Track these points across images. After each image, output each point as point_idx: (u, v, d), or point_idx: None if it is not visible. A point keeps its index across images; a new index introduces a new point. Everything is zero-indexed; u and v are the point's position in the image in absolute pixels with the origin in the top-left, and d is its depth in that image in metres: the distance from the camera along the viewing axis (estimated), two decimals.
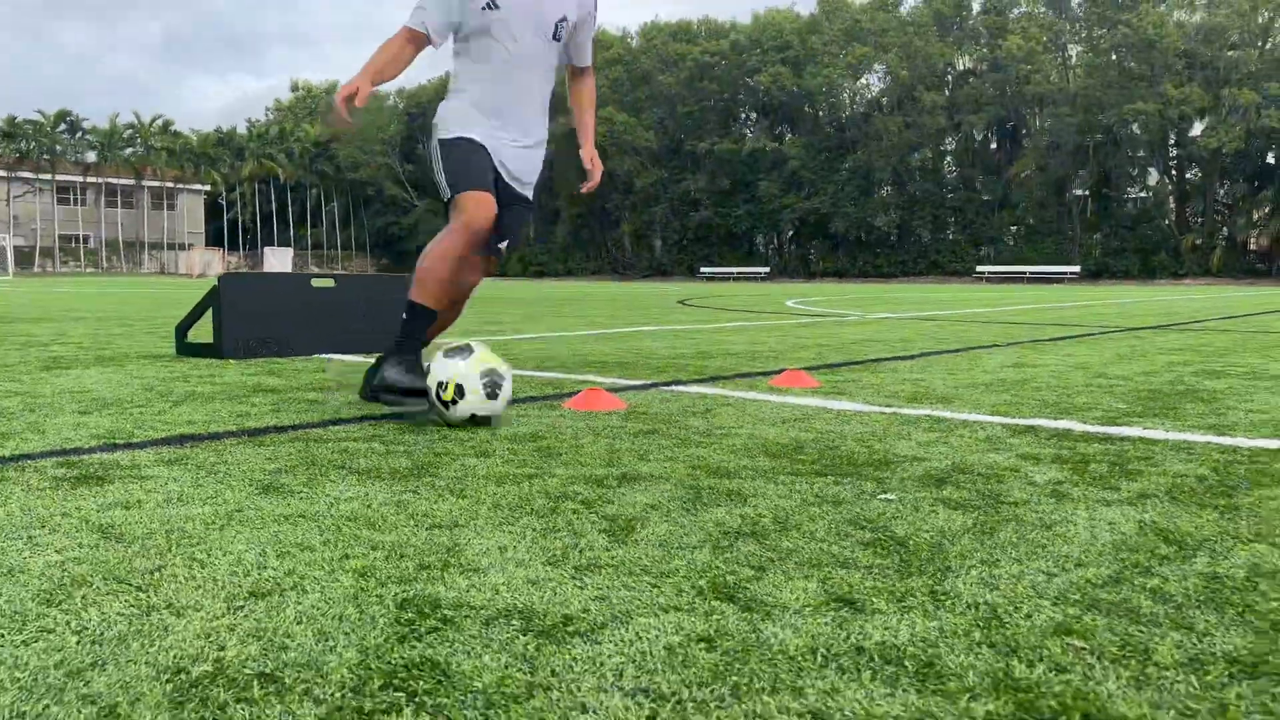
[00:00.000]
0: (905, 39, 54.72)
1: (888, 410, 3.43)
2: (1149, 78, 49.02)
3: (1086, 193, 53.95)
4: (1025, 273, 49.27)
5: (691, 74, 61.21)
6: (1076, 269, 49.10)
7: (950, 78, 57.61)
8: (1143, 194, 54.48)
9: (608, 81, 61.55)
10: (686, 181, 61.81)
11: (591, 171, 3.58)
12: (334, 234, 78.76)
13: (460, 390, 2.89)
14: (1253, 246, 52.03)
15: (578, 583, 1.49)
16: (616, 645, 1.25)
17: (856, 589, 1.48)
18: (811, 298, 19.03)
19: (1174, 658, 1.23)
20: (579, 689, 1.12)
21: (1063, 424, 3.13)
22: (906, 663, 1.21)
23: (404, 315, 3.18)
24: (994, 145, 58.70)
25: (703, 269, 59.88)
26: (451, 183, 3.18)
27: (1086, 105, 50.32)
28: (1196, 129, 50.91)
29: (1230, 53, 48.71)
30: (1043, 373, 4.70)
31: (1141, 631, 1.31)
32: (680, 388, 4.08)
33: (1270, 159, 49.58)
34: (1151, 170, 54.31)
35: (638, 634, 1.29)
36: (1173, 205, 53.64)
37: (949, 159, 59.18)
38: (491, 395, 2.93)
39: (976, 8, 56.32)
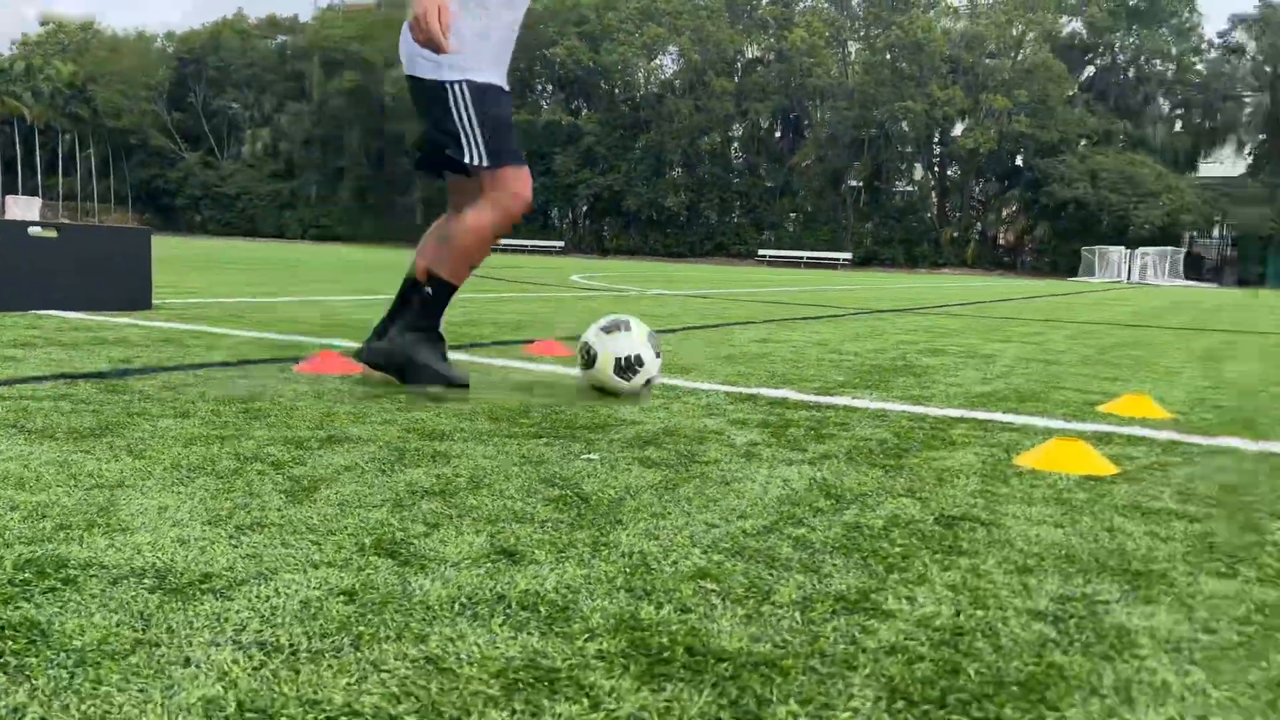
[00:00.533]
0: (698, 23, 56.02)
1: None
2: (918, 78, 52.52)
3: (860, 184, 57.30)
4: (803, 257, 51.83)
5: None
6: (849, 255, 52.11)
7: (740, 65, 59.52)
8: (909, 188, 58.44)
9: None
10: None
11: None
12: (90, 185, 72.19)
13: (640, 360, 2.99)
14: (1001, 241, 57.03)
15: (233, 541, 1.45)
16: (249, 601, 1.22)
17: (523, 542, 1.51)
18: (599, 273, 19.24)
19: (790, 598, 1.33)
20: (190, 644, 1.08)
21: (781, 393, 3.31)
22: (541, 608, 1.24)
23: (428, 290, 2.95)
24: (778, 134, 61.23)
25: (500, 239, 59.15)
26: (493, 150, 2.82)
27: (863, 101, 53.34)
28: (958, 129, 55.09)
29: (988, 60, 52.94)
30: (783, 348, 4.96)
31: (771, 575, 1.42)
32: None
33: (1019, 161, 54.36)
34: (917, 166, 58.33)
35: (276, 590, 1.26)
36: (935, 200, 57.86)
37: (736, 145, 61.22)
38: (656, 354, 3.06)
39: None
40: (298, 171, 66.72)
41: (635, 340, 3.00)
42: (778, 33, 56.82)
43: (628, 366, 2.97)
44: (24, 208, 50.79)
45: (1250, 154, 52.11)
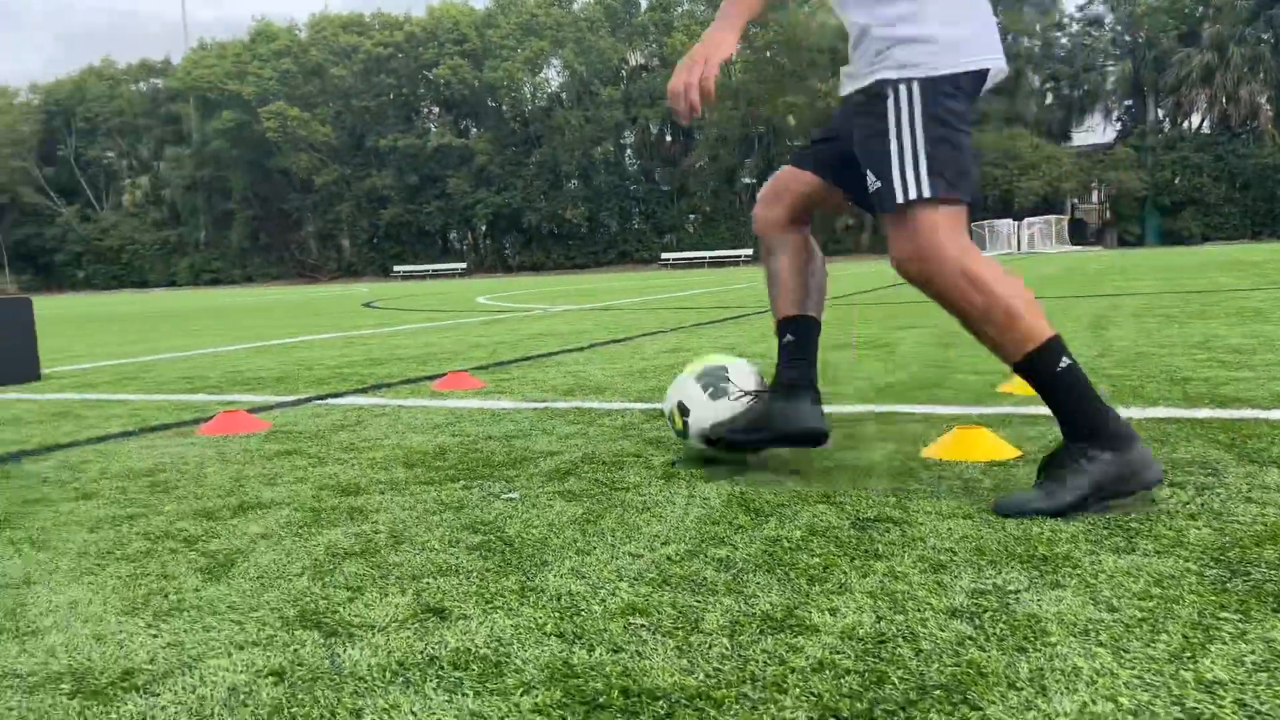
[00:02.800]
0: (579, 34, 56.23)
1: (540, 405, 3.52)
2: (799, 73, 53.63)
3: (754, 181, 58.20)
4: (705, 258, 52.40)
5: (367, 66, 59.26)
6: (750, 251, 52.87)
7: (625, 73, 59.90)
8: None
9: (276, 74, 58.27)
10: (372, 178, 59.84)
11: None
12: None
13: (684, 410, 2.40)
14: None
15: (153, 630, 1.41)
16: (175, 694, 1.19)
17: (449, 596, 1.51)
18: (505, 292, 19.13)
19: (719, 623, 1.36)
20: None
21: None
22: (474, 665, 1.25)
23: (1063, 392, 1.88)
24: (669, 138, 61.79)
25: (396, 268, 58.35)
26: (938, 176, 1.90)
27: (749, 99, 54.24)
28: None
29: None
30: (692, 358, 5.01)
31: (698, 602, 1.44)
32: (337, 400, 3.95)
33: None
34: None
35: (202, 678, 1.24)
36: None
37: (629, 151, 61.58)
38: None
39: (644, 4, 58.92)
40: (184, 217, 64.70)
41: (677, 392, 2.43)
42: (658, 38, 57.40)
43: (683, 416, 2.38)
44: None
45: (1118, 120, 54.57)
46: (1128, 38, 51.58)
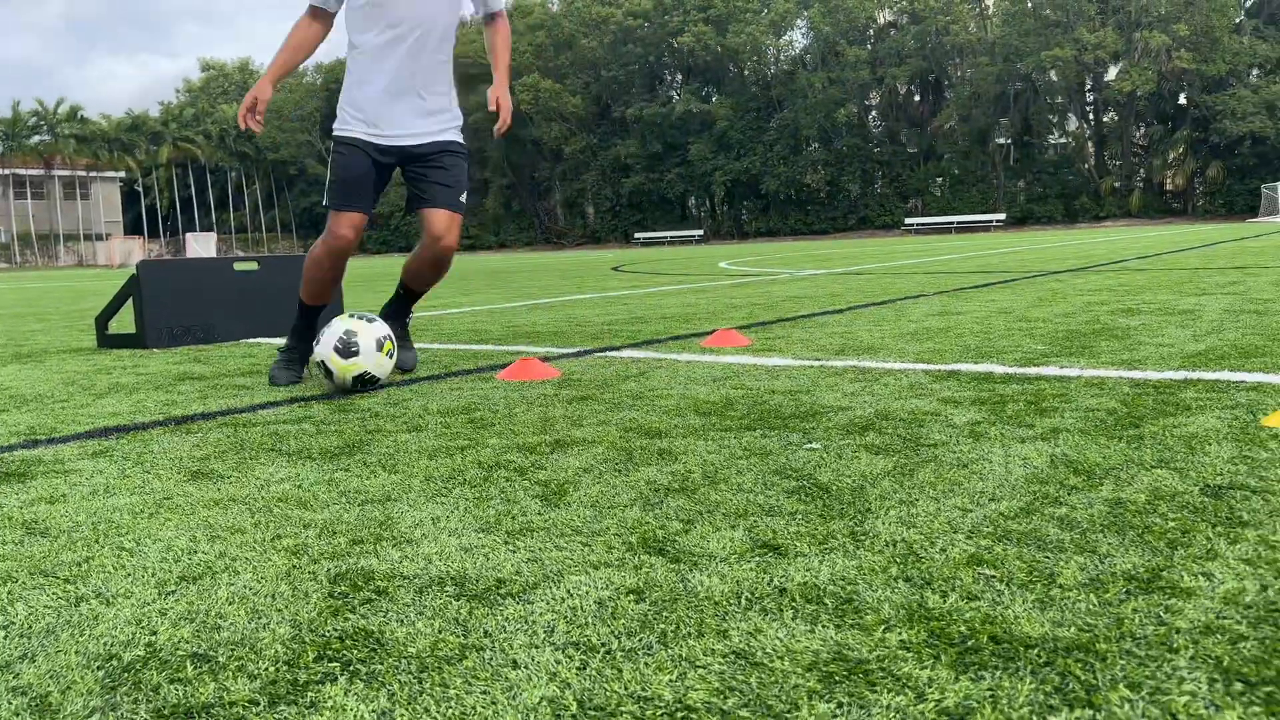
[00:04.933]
0: None
1: (815, 363, 3.49)
2: (1064, 24, 49.86)
3: (1009, 141, 54.90)
4: (953, 223, 50.11)
5: (615, 37, 60.67)
6: (1002, 216, 50.06)
7: (872, 31, 57.97)
8: (1063, 140, 55.61)
9: (531, 48, 60.74)
10: (617, 147, 61.47)
11: (500, 112, 3.61)
12: (257, 216, 76.91)
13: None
14: (1168, 187, 53.53)
15: (510, 547, 1.52)
16: (548, 604, 1.28)
17: (781, 534, 1.53)
18: (744, 258, 19.16)
19: (1077, 579, 1.30)
20: (511, 646, 1.15)
21: (983, 367, 3.22)
22: (826, 600, 1.26)
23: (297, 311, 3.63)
24: (917, 98, 59.33)
25: (637, 235, 59.79)
26: (331, 194, 3.48)
27: (1005, 54, 51.07)
28: (1111, 73, 52.01)
29: None
30: (966, 319, 4.81)
31: (1048, 557, 1.38)
32: (614, 353, 4.10)
33: (1182, 100, 50.90)
34: (1070, 116, 55.42)
35: (569, 591, 1.32)
36: (1091, 150, 54.86)
37: (874, 113, 59.70)
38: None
39: None
40: None
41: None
42: None
43: (344, 349, 3.16)
44: (201, 244, 54.58)
45: None
46: None
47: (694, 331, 4.83)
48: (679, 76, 64.28)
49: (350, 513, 1.75)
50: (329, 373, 3.17)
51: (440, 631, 1.20)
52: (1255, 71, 49.25)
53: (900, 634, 1.14)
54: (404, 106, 3.39)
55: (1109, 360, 3.25)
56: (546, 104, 59.59)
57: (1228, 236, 18.39)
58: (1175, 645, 1.08)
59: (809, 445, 2.16)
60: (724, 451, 2.13)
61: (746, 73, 60.26)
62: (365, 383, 3.18)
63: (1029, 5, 51.24)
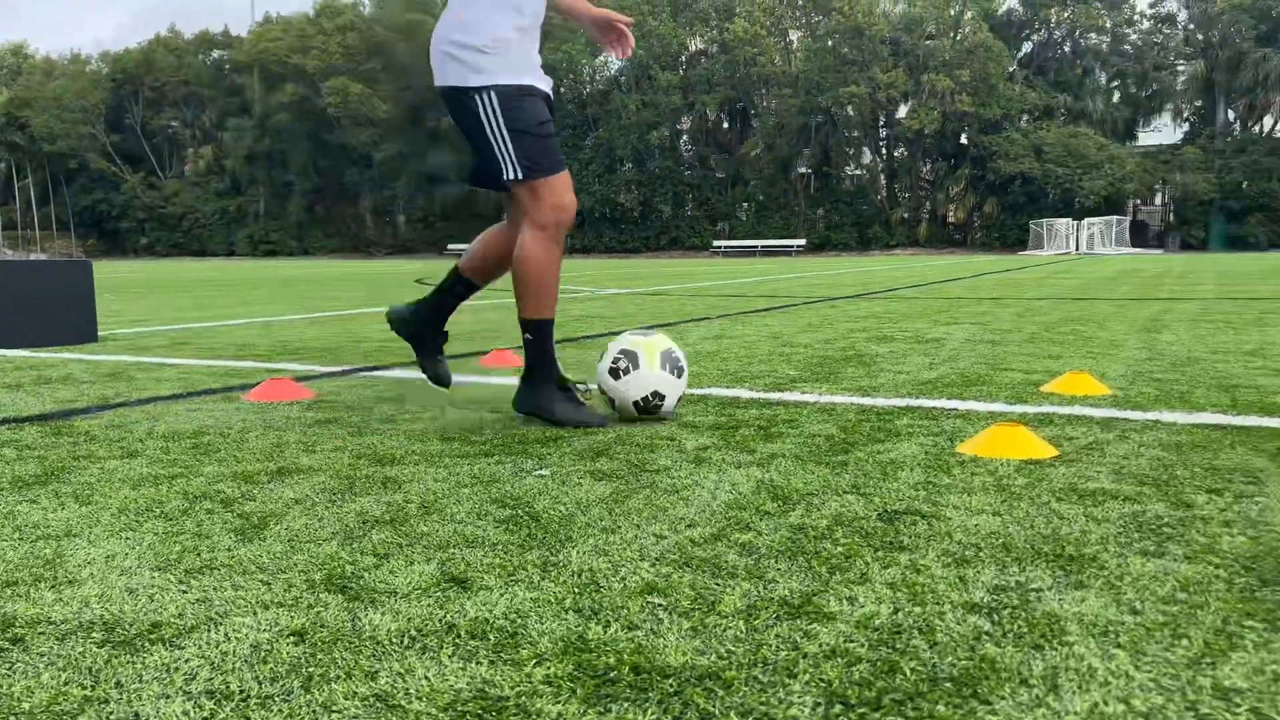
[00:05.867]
0: (640, 17, 56.09)
1: (581, 386, 3.53)
2: (860, 63, 52.96)
3: (810, 170, 57.69)
4: (757, 246, 52.12)
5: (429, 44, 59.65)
6: (803, 242, 52.49)
7: (684, 58, 59.64)
8: (858, 172, 58.94)
9: (341, 49, 58.90)
10: (430, 156, 60.39)
11: (616, 24, 2.96)
12: (30, 213, 70.66)
13: (658, 395, 2.79)
14: (951, 219, 57.71)
15: (183, 586, 1.45)
16: (199, 649, 1.23)
17: (474, 567, 1.53)
18: None
19: (736, 606, 1.36)
20: (140, 697, 1.09)
21: (733, 392, 3.35)
22: (491, 635, 1.27)
23: (529, 337, 2.76)
24: (726, 125, 61.46)
25: (450, 245, 58.89)
26: (530, 163, 2.64)
27: (807, 88, 53.71)
28: (902, 111, 55.63)
29: (928, 42, 53.50)
30: (735, 343, 5.00)
31: (718, 585, 1.45)
32: (383, 372, 4.01)
33: (963, 140, 55.02)
34: (865, 150, 58.83)
35: (227, 634, 1.27)
36: (883, 182, 58.40)
37: (685, 138, 61.37)
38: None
39: None
40: (244, 188, 65.87)
41: (646, 375, 2.74)
42: (719, 24, 57.03)
43: (648, 407, 2.77)
44: None
45: (1186, 120, 53.20)
46: (1200, 36, 50.10)
47: (474, 350, 4.79)
48: None
49: (18, 550, 1.62)
50: (611, 401, 2.79)
51: (65, 684, 1.13)
52: (1025, 117, 53.95)
53: (549, 668, 1.17)
54: (534, 45, 2.76)
55: (848, 387, 3.45)
56: (356, 108, 57.87)
57: (997, 268, 19.99)
58: (797, 670, 1.16)
59: (538, 472, 2.18)
60: (451, 480, 2.11)
61: (563, 90, 60.67)
62: (652, 408, 2.78)
63: (829, 44, 54.14)
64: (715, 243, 54.55)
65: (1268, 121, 48.99)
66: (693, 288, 12.10)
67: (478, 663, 1.18)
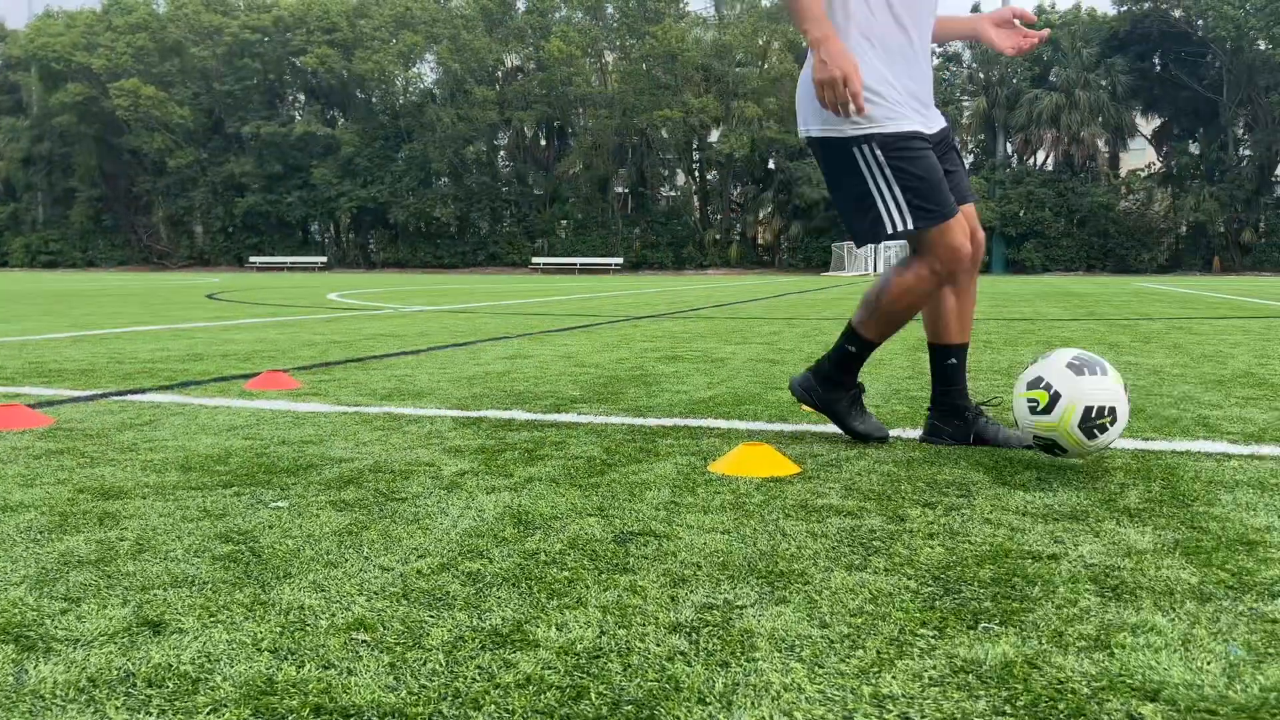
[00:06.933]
0: (454, 31, 55.47)
1: (350, 410, 3.43)
2: (674, 87, 54.35)
3: (627, 190, 58.60)
4: (576, 264, 52.45)
5: (231, 49, 56.86)
6: (620, 260, 53.21)
7: (500, 74, 59.42)
8: (673, 193, 60.36)
9: (131, 50, 55.27)
10: (230, 164, 57.42)
11: (1021, 19, 2.84)
12: None
13: (1113, 414, 2.33)
14: (760, 241, 59.96)
15: None
16: None
17: (174, 609, 1.45)
18: (360, 289, 18.64)
19: (443, 639, 1.34)
20: None
21: (510, 414, 3.34)
22: (170, 683, 1.20)
23: (850, 349, 2.76)
24: (544, 142, 61.60)
25: (252, 259, 56.14)
26: (917, 209, 2.50)
27: (623, 109, 54.61)
28: (714, 136, 57.43)
29: (738, 69, 55.55)
30: (529, 364, 5.00)
31: (430, 616, 1.43)
32: (138, 396, 3.76)
33: (771, 164, 57.35)
34: (679, 172, 60.35)
35: None
36: (697, 204, 60.05)
37: (502, 153, 61.09)
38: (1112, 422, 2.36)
39: (522, 7, 58.59)
40: (19, 194, 60.59)
41: (1111, 387, 2.36)
42: (535, 41, 57.20)
43: (1097, 420, 2.32)
44: None
45: (970, 152, 57.43)
46: (982, 75, 54.37)
47: (245, 373, 4.57)
48: (301, 97, 61.59)
49: None
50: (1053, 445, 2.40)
51: None
52: None
53: (225, 715, 1.11)
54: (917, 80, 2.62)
55: (625, 407, 3.50)
56: (148, 112, 54.36)
57: (798, 288, 20.90)
58: (484, 703, 1.15)
59: (276, 504, 2.09)
60: (176, 513, 2.00)
61: (374, 100, 59.15)
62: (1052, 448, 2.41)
63: (644, 67, 55.29)
64: (534, 259, 54.51)
65: (1040, 155, 53.58)
66: (502, 305, 12.02)
67: (147, 713, 1.12)
